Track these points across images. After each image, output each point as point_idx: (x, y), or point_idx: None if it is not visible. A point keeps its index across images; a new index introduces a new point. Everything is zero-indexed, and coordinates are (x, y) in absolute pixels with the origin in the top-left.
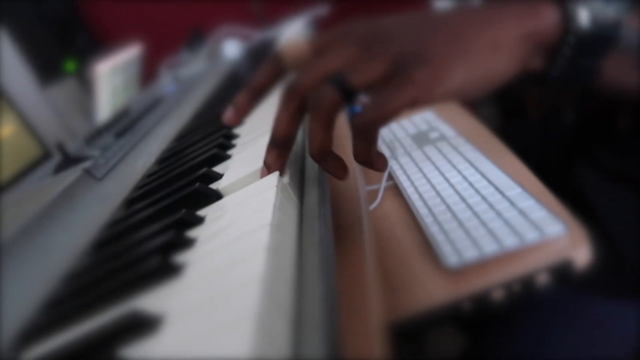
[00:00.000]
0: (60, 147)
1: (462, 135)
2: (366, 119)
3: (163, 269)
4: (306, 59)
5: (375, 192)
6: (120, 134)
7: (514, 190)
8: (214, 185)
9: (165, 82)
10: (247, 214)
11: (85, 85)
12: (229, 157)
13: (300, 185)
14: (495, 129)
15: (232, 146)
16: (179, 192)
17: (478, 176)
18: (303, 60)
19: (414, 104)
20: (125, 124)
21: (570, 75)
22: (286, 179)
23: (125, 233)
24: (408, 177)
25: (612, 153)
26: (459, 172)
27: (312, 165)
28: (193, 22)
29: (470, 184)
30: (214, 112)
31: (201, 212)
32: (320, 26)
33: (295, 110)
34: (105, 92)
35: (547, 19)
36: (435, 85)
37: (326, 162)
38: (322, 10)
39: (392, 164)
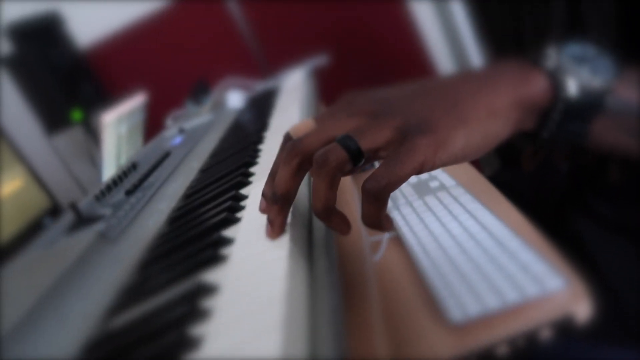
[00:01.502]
0: (73, 206)
1: (461, 184)
2: (378, 184)
3: (181, 344)
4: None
5: (378, 243)
6: (130, 191)
7: (513, 243)
8: (225, 250)
9: (171, 134)
10: (258, 283)
11: (91, 133)
12: (238, 220)
13: (308, 244)
14: (493, 175)
15: (243, 201)
16: (192, 259)
17: (478, 227)
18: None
19: (421, 170)
20: (135, 180)
21: (560, 137)
22: (292, 244)
23: (141, 301)
24: (410, 228)
25: (606, 203)
26: (460, 223)
27: (320, 226)
28: (198, 73)
29: (471, 236)
30: (220, 166)
31: (213, 276)
32: (320, 75)
33: (297, 167)
34: (111, 140)
35: (538, 86)
36: (439, 152)
37: (330, 219)
38: (321, 60)
39: (394, 215)
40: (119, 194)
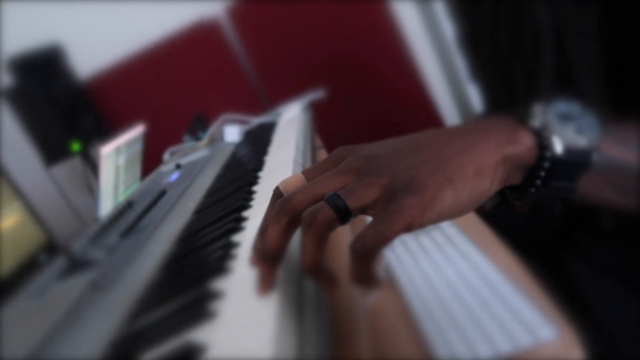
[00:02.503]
0: (66, 250)
1: (456, 224)
2: (366, 244)
3: None
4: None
5: None
6: (124, 233)
7: (506, 288)
8: (215, 304)
9: (168, 169)
10: (246, 345)
11: (90, 163)
12: (231, 269)
13: (299, 298)
14: (486, 213)
15: (236, 249)
16: (181, 315)
17: (472, 271)
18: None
19: (408, 229)
20: (130, 221)
21: (547, 193)
22: (282, 302)
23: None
24: (405, 269)
25: (599, 246)
26: (454, 265)
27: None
28: (199, 106)
29: (465, 280)
30: (214, 208)
31: (201, 335)
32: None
33: (287, 225)
34: (109, 171)
35: (525, 145)
36: (426, 212)
37: (318, 277)
38: (318, 95)
39: (389, 255)
40: (113, 236)
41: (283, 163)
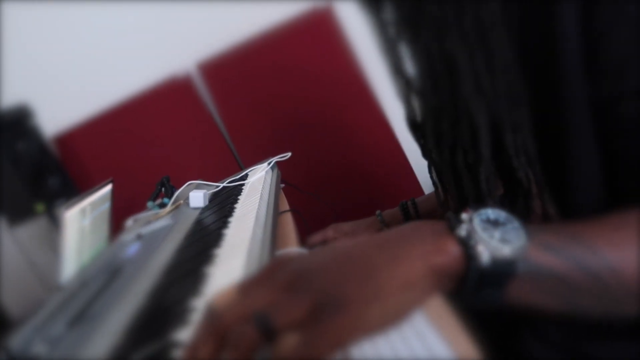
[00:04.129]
0: (5, 348)
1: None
2: None
3: None
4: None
5: None
6: (72, 322)
7: None
8: None
9: (129, 239)
10: None
11: (55, 223)
12: None
13: None
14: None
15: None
16: None
17: (427, 355)
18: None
19: (338, 348)
20: (79, 305)
21: (478, 300)
22: None
23: None
24: (360, 350)
25: (554, 327)
26: (409, 347)
27: None
28: (172, 163)
29: None
30: (169, 293)
31: None
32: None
33: (213, 344)
34: (72, 235)
35: (451, 255)
36: (354, 332)
37: None
38: (285, 157)
39: None
40: (60, 325)
41: (243, 240)
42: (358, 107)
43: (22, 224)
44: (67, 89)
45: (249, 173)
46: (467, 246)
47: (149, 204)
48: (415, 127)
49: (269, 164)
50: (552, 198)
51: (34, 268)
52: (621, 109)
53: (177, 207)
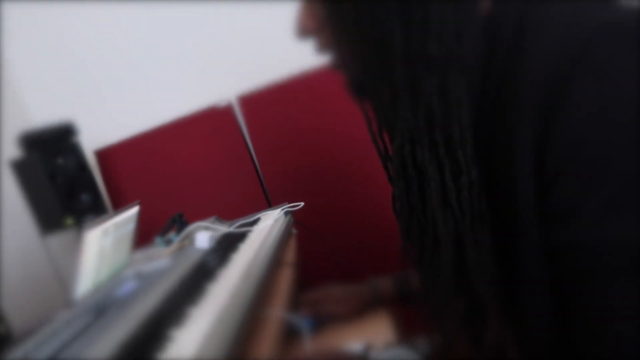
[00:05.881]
0: None
1: None
2: None
3: None
4: None
5: None
6: None
7: None
8: None
9: (129, 276)
10: None
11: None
12: None
13: None
14: None
15: None
16: None
17: None
18: None
19: None
20: (55, 348)
21: None
22: None
23: None
24: None
25: None
26: None
27: None
28: (202, 190)
29: None
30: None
31: None
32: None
33: None
34: (91, 254)
35: None
36: None
37: None
38: (297, 206)
39: None
40: None
41: (222, 298)
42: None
43: (52, 234)
44: (112, 108)
45: (261, 217)
46: None
47: (157, 239)
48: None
49: (282, 210)
50: (510, 321)
51: (58, 275)
52: (567, 257)
53: (182, 247)
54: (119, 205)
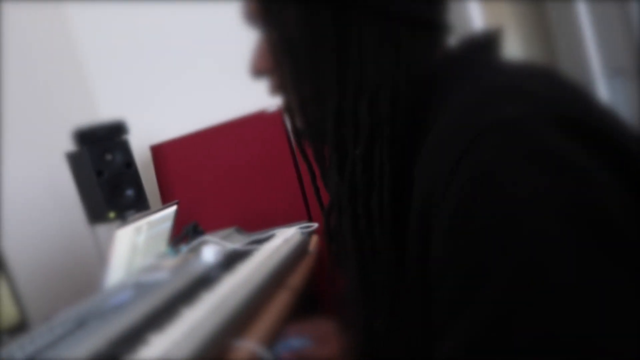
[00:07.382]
0: None
1: None
2: None
3: None
4: None
5: None
6: None
7: None
8: None
9: (129, 284)
10: None
11: None
12: None
13: None
14: None
15: None
16: None
17: None
18: None
19: None
20: (34, 349)
21: None
22: None
23: None
24: None
25: None
26: None
27: None
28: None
29: None
30: None
31: None
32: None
33: None
34: (122, 250)
35: None
36: None
37: None
38: (311, 227)
39: None
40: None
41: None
42: None
43: (99, 224)
44: (164, 107)
45: (276, 233)
46: None
47: (168, 248)
48: None
49: (300, 227)
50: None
51: (103, 262)
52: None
53: (186, 260)
54: (169, 198)
